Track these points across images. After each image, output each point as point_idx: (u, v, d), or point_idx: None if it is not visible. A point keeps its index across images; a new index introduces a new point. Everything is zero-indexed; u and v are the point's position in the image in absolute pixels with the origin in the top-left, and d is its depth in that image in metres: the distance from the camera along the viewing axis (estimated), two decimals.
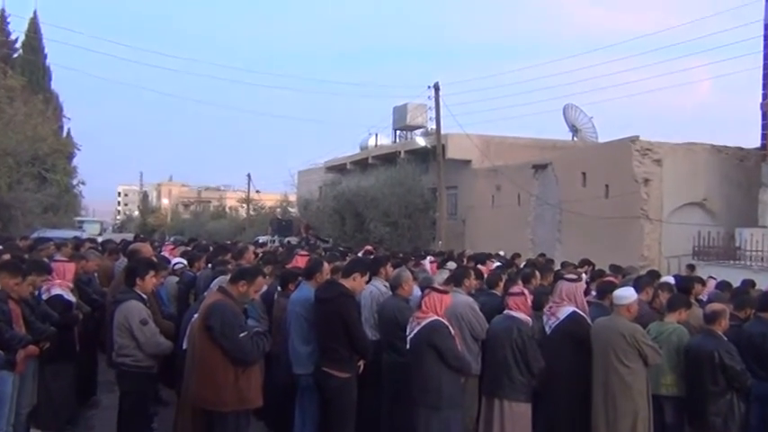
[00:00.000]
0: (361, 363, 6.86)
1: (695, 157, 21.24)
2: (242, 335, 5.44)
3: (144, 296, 6.68)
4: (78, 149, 40.27)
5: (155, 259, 8.35)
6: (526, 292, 7.40)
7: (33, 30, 40.97)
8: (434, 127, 30.08)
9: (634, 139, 21.03)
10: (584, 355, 6.96)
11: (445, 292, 6.84)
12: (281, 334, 7.31)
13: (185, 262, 10.83)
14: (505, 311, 7.14)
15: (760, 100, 20.93)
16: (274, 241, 32.58)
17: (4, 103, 22.68)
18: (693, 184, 20.98)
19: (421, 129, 36.80)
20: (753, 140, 21.96)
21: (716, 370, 6.60)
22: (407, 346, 6.67)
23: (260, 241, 31.04)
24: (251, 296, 6.08)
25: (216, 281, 6.79)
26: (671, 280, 9.45)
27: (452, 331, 6.64)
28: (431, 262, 12.29)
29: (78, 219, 50.33)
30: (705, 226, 20.50)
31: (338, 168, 42.07)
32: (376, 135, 40.44)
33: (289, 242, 29.17)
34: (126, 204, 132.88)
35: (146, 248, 9.15)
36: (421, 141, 33.02)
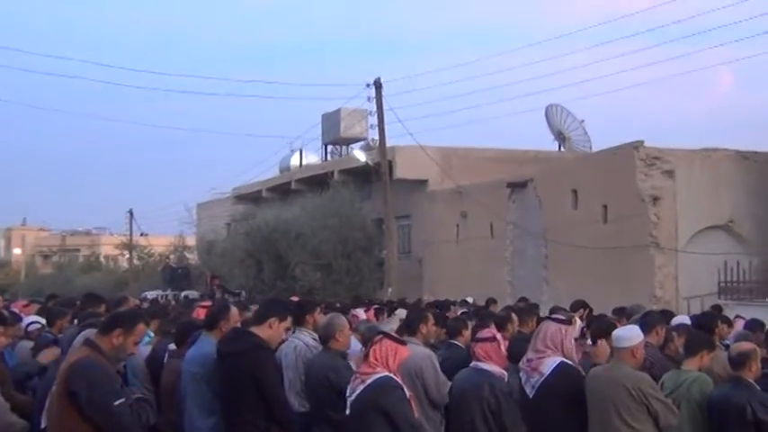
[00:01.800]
0: None
1: (716, 166, 21.66)
2: (117, 402, 5.36)
3: None
4: None
5: (3, 312, 8.22)
6: (499, 336, 7.44)
7: None
8: (377, 138, 30.25)
9: (638, 146, 21.35)
10: (581, 418, 7.02)
11: (402, 343, 6.86)
12: (174, 406, 7.22)
13: (43, 321, 10.63)
14: (472, 363, 7.17)
15: None
16: (167, 296, 32.24)
17: None
18: (716, 201, 21.36)
19: (359, 141, 37.01)
20: None
21: (748, 427, 6.72)
22: (347, 412, 6.64)
23: (148, 297, 30.67)
24: (129, 350, 6.01)
25: (81, 334, 6.70)
26: (686, 320, 9.64)
27: (407, 393, 6.65)
28: (365, 311, 12.39)
29: None
30: (733, 255, 20.79)
31: (251, 197, 42.01)
32: (300, 152, 40.58)
33: (186, 297, 28.88)
34: None
35: None
36: (360, 157, 33.06)
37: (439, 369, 7.68)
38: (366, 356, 6.66)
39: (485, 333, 7.49)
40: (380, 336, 6.75)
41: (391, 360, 6.56)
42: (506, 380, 7.16)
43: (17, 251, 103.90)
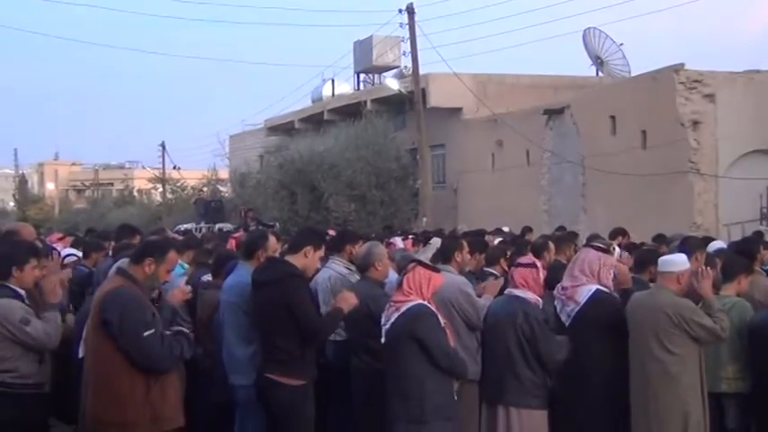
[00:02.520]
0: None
1: (760, 89, 21.32)
2: (147, 333, 5.43)
3: (21, 292, 6.65)
4: None
5: (37, 244, 8.32)
6: (538, 263, 7.42)
7: None
8: (410, 66, 30.08)
9: (678, 69, 21.10)
10: (619, 346, 7.04)
11: (435, 270, 6.89)
12: (211, 336, 7.33)
13: (79, 254, 10.79)
14: (507, 290, 7.19)
15: None
16: (200, 229, 32.52)
17: None
18: (759, 124, 21.06)
19: (392, 69, 36.78)
20: None
21: None
22: (383, 341, 6.72)
23: (182, 230, 30.96)
24: (162, 278, 6.09)
25: (115, 264, 6.78)
26: (722, 245, 9.60)
27: (442, 321, 6.70)
28: (403, 240, 12.43)
29: None
30: None
31: (284, 128, 42.00)
32: (332, 81, 40.36)
33: (220, 230, 29.12)
34: None
35: (26, 230, 9.06)
36: (393, 86, 32.90)
37: (473, 294, 7.71)
38: (400, 285, 6.70)
39: (524, 259, 7.48)
40: (413, 264, 6.78)
41: (425, 287, 6.60)
42: (541, 306, 7.16)
43: (50, 186, 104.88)
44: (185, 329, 6.30)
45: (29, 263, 6.73)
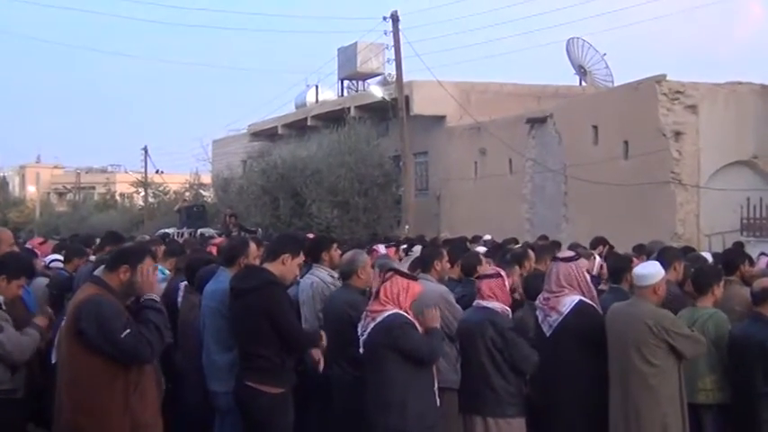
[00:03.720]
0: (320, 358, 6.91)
1: (742, 101, 21.41)
2: (124, 334, 5.41)
3: (0, 298, 6.64)
4: None
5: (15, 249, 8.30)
6: (503, 272, 7.42)
7: None
8: (394, 73, 30.12)
9: (660, 80, 21.14)
10: (600, 357, 7.06)
11: (413, 278, 6.89)
12: (192, 342, 7.32)
13: (61, 258, 10.76)
14: (475, 301, 7.20)
15: None
16: (182, 234, 32.42)
17: None
18: (740, 136, 21.14)
19: (376, 76, 36.82)
20: None
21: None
22: (361, 350, 6.72)
23: (168, 234, 30.87)
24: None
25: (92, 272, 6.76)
26: (708, 256, 9.63)
27: (418, 326, 6.69)
28: (387, 247, 12.43)
29: None
30: (757, 191, 20.69)
31: (267, 134, 41.97)
32: (316, 87, 40.41)
33: (202, 234, 29.05)
34: None
35: (5, 234, 9.02)
36: (377, 93, 32.97)
37: (454, 303, 7.73)
38: (377, 294, 6.71)
39: (488, 270, 7.50)
40: (391, 273, 6.79)
41: (402, 297, 6.60)
42: (509, 315, 7.17)
43: (31, 189, 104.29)
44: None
45: (18, 279, 6.76)
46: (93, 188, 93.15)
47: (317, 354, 7.05)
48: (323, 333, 7.07)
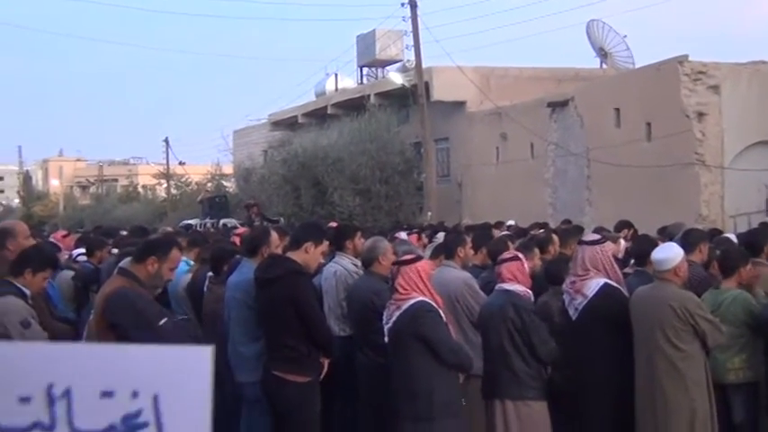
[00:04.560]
0: (326, 362, 6.91)
1: (764, 80, 21.20)
2: (162, 322, 5.44)
3: (27, 292, 6.67)
4: None
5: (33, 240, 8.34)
6: (521, 256, 7.41)
7: None
8: (413, 59, 30.06)
9: (682, 60, 21.02)
10: (626, 340, 7.03)
11: (418, 258, 6.86)
12: (217, 333, 7.35)
13: (83, 251, 10.83)
14: (497, 285, 7.17)
15: None
16: (205, 225, 32.56)
17: None
18: (764, 115, 20.96)
19: (395, 63, 36.74)
20: None
21: None
22: (386, 339, 6.72)
23: (192, 224, 31.02)
24: (166, 277, 6.09)
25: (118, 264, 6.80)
26: (732, 238, 9.56)
27: (443, 316, 6.69)
28: (408, 234, 12.41)
29: None
30: None
31: (287, 123, 41.99)
32: (336, 75, 40.35)
33: (225, 225, 29.16)
34: (1, 191, 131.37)
35: (20, 227, 9.01)
36: (396, 80, 32.91)
37: (478, 289, 7.71)
38: (395, 289, 6.70)
39: (507, 253, 7.45)
40: (396, 266, 6.78)
41: (418, 281, 6.57)
42: (530, 299, 7.16)
43: (55, 182, 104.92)
44: (189, 316, 6.29)
45: (43, 271, 6.80)
46: (116, 180, 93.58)
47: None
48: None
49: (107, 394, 0.56)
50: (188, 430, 0.53)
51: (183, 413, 0.54)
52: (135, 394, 0.56)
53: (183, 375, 0.56)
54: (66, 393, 0.55)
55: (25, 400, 0.54)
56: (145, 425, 0.53)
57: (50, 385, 0.55)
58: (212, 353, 0.58)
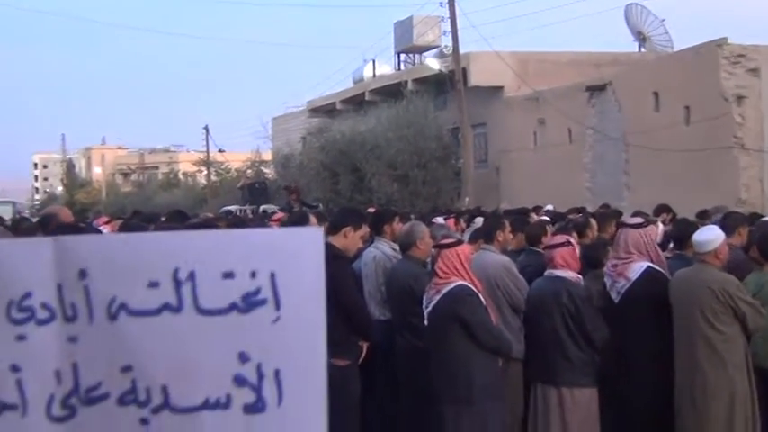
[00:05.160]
0: (364, 345, 6.92)
1: None
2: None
3: None
4: None
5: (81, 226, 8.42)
6: (573, 241, 7.38)
7: None
8: (450, 45, 29.99)
9: (721, 43, 20.87)
10: (668, 323, 6.97)
11: (457, 243, 6.85)
12: None
13: None
14: (547, 271, 7.14)
15: None
16: (245, 211, 32.71)
17: None
18: None
19: (433, 49, 36.67)
20: None
21: None
22: (425, 323, 6.73)
23: (232, 211, 31.14)
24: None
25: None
26: None
27: (483, 300, 6.68)
28: (446, 219, 12.39)
29: None
30: None
31: (325, 110, 42.08)
32: (373, 62, 40.35)
33: (264, 211, 29.27)
34: (45, 179, 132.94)
35: (64, 213, 9.14)
36: (434, 65, 32.88)
37: (517, 273, 7.68)
38: (434, 270, 6.70)
39: (558, 238, 7.41)
40: (436, 249, 6.79)
41: (458, 264, 6.57)
42: (582, 284, 7.13)
43: (97, 170, 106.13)
44: None
45: None
46: (157, 168, 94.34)
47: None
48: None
49: (228, 275, 0.59)
50: (303, 304, 0.56)
51: (298, 289, 0.57)
52: (253, 274, 0.59)
53: (297, 254, 0.59)
54: (191, 276, 0.58)
55: (154, 284, 0.57)
56: (263, 301, 0.56)
57: (176, 270, 0.59)
58: (323, 232, 0.62)
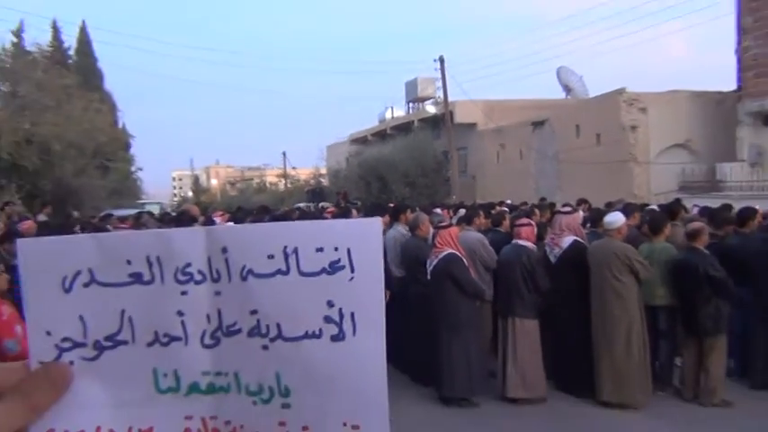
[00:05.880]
0: (388, 293, 6.90)
1: (678, 103, 20.94)
2: None
3: None
4: (132, 138, 40.57)
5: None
6: (533, 222, 7.35)
7: (83, 36, 40.92)
8: (442, 96, 29.88)
9: (621, 92, 20.80)
10: (587, 278, 6.93)
11: (449, 226, 6.85)
12: None
13: (232, 224, 10.98)
14: (513, 241, 7.10)
15: (734, 47, 20.50)
16: (310, 207, 32.77)
17: (63, 101, 22.80)
18: (677, 127, 20.70)
19: (431, 99, 36.54)
20: (729, 84, 21.64)
21: (702, 280, 6.55)
22: (428, 278, 6.72)
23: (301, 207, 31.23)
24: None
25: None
26: (656, 208, 9.36)
27: (467, 262, 6.66)
28: (441, 209, 12.34)
29: (140, 202, 50.86)
30: (689, 164, 20.34)
31: (361, 140, 42.01)
32: (392, 108, 40.29)
33: (321, 206, 29.34)
34: (180, 188, 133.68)
35: (194, 209, 9.25)
36: (431, 110, 32.93)
37: (488, 245, 7.65)
38: (434, 243, 6.70)
39: (523, 220, 7.39)
40: (436, 230, 6.78)
41: (450, 239, 6.60)
42: (536, 251, 7.09)
43: (214, 182, 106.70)
44: None
45: None
46: (252, 179, 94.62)
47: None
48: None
49: (319, 250, 0.59)
50: (369, 268, 0.57)
51: (366, 258, 0.57)
52: (336, 249, 0.59)
53: (365, 236, 0.59)
54: (295, 251, 0.59)
55: (270, 256, 0.58)
56: (343, 267, 0.56)
57: (285, 246, 0.59)
58: (380, 222, 0.62)
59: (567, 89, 31.14)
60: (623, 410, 6.52)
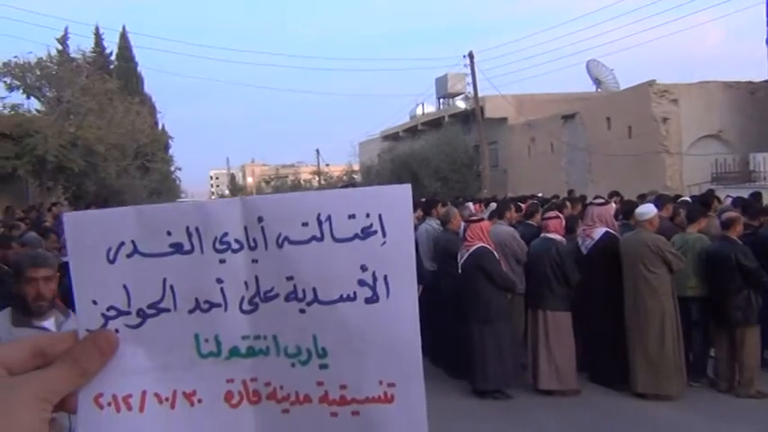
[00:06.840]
0: (420, 287, 6.91)
1: (709, 93, 20.52)
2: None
3: None
4: (171, 138, 41.19)
5: None
6: (561, 215, 7.29)
7: (124, 42, 41.67)
8: (472, 91, 29.73)
9: (651, 83, 20.45)
10: (619, 270, 6.85)
11: (480, 220, 6.82)
12: None
13: None
14: (542, 234, 7.06)
15: (765, 36, 20.01)
16: None
17: (105, 104, 23.38)
18: (708, 118, 20.30)
19: (461, 95, 36.36)
20: (762, 74, 21.14)
21: (733, 270, 6.43)
22: (459, 271, 6.71)
23: None
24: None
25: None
26: (688, 199, 9.19)
27: (497, 256, 6.64)
28: (472, 204, 12.30)
29: (179, 200, 51.68)
30: (721, 155, 19.91)
31: (392, 137, 42.00)
32: (422, 104, 40.13)
33: None
34: (217, 186, 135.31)
35: None
36: (461, 105, 32.72)
37: (519, 238, 7.61)
38: (465, 237, 6.68)
39: (551, 213, 7.34)
40: (467, 224, 6.77)
41: (480, 233, 6.58)
42: (565, 244, 7.02)
43: (249, 180, 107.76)
44: None
45: None
46: (286, 177, 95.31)
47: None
48: None
49: (351, 216, 0.60)
50: (400, 234, 0.58)
51: (397, 224, 0.58)
52: (368, 215, 0.60)
53: (395, 201, 0.60)
54: (329, 218, 0.60)
55: (305, 224, 0.59)
56: (375, 232, 0.57)
57: (319, 214, 0.61)
58: (409, 188, 0.64)
59: (597, 82, 30.68)
60: (658, 402, 6.44)
